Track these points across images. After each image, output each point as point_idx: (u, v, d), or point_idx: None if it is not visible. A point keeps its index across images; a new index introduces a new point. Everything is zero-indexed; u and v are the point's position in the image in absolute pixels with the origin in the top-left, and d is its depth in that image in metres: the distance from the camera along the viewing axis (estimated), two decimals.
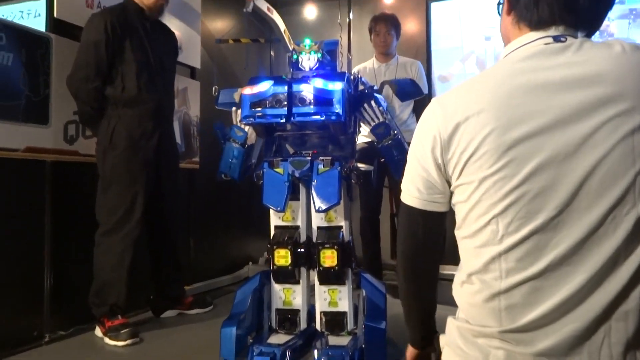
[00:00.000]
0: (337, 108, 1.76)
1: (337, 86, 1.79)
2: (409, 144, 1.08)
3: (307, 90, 1.80)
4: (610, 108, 0.84)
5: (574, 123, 0.85)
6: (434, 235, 1.04)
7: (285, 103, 1.80)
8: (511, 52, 0.98)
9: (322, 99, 1.78)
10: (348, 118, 1.88)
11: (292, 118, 1.79)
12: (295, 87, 1.81)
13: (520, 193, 0.87)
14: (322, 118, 1.77)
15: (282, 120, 1.81)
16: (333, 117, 1.77)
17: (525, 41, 0.97)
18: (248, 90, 1.86)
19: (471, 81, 0.98)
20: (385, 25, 3.27)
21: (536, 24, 0.97)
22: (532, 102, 0.88)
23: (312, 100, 1.78)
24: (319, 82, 1.79)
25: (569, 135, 0.85)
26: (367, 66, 3.40)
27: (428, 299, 1.12)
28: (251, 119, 1.84)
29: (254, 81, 1.88)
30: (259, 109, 1.82)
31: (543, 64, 0.91)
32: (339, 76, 1.87)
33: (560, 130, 0.86)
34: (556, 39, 0.94)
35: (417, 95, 2.32)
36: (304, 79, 1.85)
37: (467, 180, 0.93)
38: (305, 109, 1.79)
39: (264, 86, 1.84)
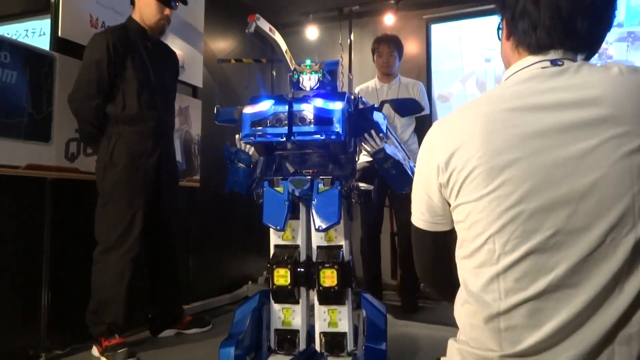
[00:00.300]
0: (337, 127, 1.77)
1: (337, 106, 1.80)
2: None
3: (307, 110, 1.81)
4: (607, 129, 0.84)
5: (571, 142, 0.85)
6: (443, 250, 1.07)
7: (286, 122, 1.81)
8: (510, 76, 1.00)
9: (322, 118, 1.79)
10: (348, 137, 1.89)
11: (293, 137, 1.80)
12: (295, 107, 1.81)
13: (516, 212, 0.87)
14: (322, 137, 1.78)
15: (282, 139, 1.82)
16: (333, 137, 1.78)
17: (523, 65, 0.98)
18: (249, 109, 1.86)
19: (470, 104, 0.99)
20: (388, 47, 3.30)
21: (535, 49, 0.98)
22: (528, 122, 0.89)
23: (313, 120, 1.79)
24: (319, 102, 1.81)
25: (565, 155, 0.85)
26: (369, 86, 3.43)
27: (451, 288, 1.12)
28: (252, 137, 1.84)
29: (254, 100, 1.89)
30: (260, 127, 1.83)
31: (539, 87, 0.91)
32: (339, 96, 1.88)
33: (556, 150, 0.86)
34: (554, 62, 0.95)
35: (417, 112, 2.33)
36: (305, 99, 1.86)
37: (464, 200, 0.94)
38: (306, 128, 1.80)
39: (265, 105, 1.85)
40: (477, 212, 0.91)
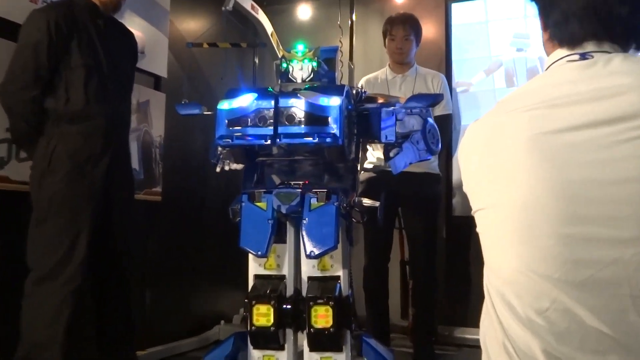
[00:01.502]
0: (334, 128, 1.78)
1: (334, 101, 1.80)
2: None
3: (297, 106, 1.81)
4: (634, 123, 0.93)
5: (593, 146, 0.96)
6: None
7: (272, 121, 1.82)
8: (545, 70, 1.13)
9: (315, 117, 1.79)
10: (347, 141, 1.88)
11: (278, 139, 1.80)
12: (282, 102, 1.81)
13: None
14: (315, 140, 1.77)
15: (266, 142, 1.82)
16: (328, 139, 1.79)
17: (553, 60, 1.10)
18: (225, 105, 1.87)
19: (499, 104, 1.11)
20: (404, 29, 3.32)
21: (568, 42, 1.09)
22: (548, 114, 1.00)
23: (303, 118, 1.79)
24: (311, 96, 1.80)
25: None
26: (378, 77, 3.44)
27: None
28: (228, 140, 1.84)
29: (233, 94, 1.89)
30: (239, 127, 1.83)
31: (565, 78, 1.04)
32: (337, 89, 1.88)
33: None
34: (583, 56, 1.05)
35: (433, 100, 2.32)
36: (295, 93, 1.86)
37: None
38: (294, 129, 1.80)
39: (246, 100, 1.85)
40: None
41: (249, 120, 1.83)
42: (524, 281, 0.98)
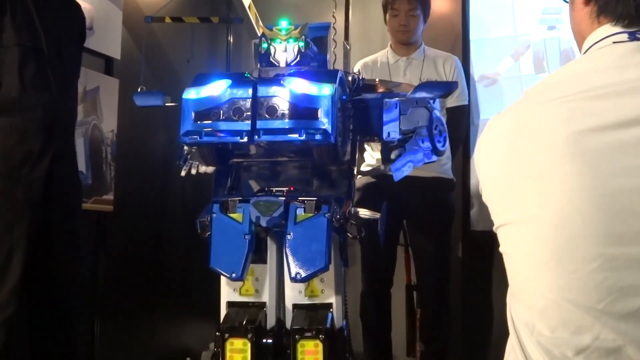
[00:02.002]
0: (324, 123, 1.78)
1: (325, 90, 1.81)
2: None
3: (280, 96, 1.81)
4: None
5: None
6: None
7: (249, 114, 1.83)
8: (583, 53, 1.13)
9: (302, 109, 1.80)
10: (340, 139, 1.89)
11: (257, 136, 1.80)
12: (262, 91, 1.82)
13: None
14: (302, 137, 1.78)
15: (242, 140, 1.82)
16: (318, 137, 1.79)
17: (594, 40, 1.11)
18: (192, 94, 1.87)
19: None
20: (409, 1, 3.33)
21: (628, 19, 1.10)
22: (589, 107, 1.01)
23: (287, 111, 1.80)
24: (297, 84, 1.81)
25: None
26: (378, 59, 3.46)
27: None
28: (195, 137, 1.84)
29: (201, 80, 1.90)
30: (209, 122, 1.84)
31: (610, 63, 1.06)
32: (329, 75, 1.89)
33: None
34: (633, 36, 1.07)
35: (442, 91, 2.33)
36: (277, 80, 1.87)
37: None
38: (276, 124, 1.81)
39: (217, 88, 1.86)
40: None
41: (222, 112, 1.84)
42: (559, 313, 0.98)
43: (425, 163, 2.22)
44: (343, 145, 1.94)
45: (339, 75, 1.90)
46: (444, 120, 2.33)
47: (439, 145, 2.24)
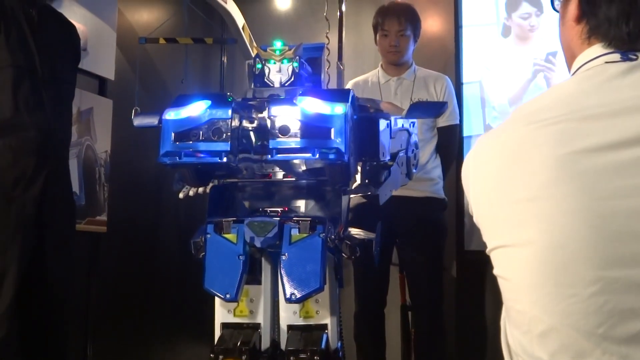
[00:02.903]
0: (338, 142, 1.78)
1: (337, 109, 1.81)
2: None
3: (292, 115, 1.81)
4: None
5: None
6: None
7: (228, 134, 1.83)
8: (573, 73, 1.12)
9: (315, 129, 1.80)
10: (352, 158, 1.90)
11: (270, 155, 1.81)
12: (274, 110, 1.82)
13: None
14: (316, 157, 1.78)
15: (221, 161, 1.83)
16: (331, 156, 1.78)
17: (585, 59, 1.11)
18: (172, 114, 1.88)
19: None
20: (398, 22, 3.34)
21: (620, 42, 1.09)
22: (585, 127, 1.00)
23: (299, 130, 1.80)
24: (310, 103, 1.81)
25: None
26: (369, 80, 3.47)
27: None
28: (175, 157, 1.85)
29: (181, 101, 1.91)
30: (189, 142, 1.85)
31: (603, 83, 1.05)
32: (341, 94, 1.89)
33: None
34: (625, 56, 1.06)
35: (435, 112, 2.36)
36: (289, 99, 1.87)
37: None
38: (289, 143, 1.80)
39: (197, 108, 1.86)
40: None
41: (201, 133, 1.84)
42: (558, 338, 0.97)
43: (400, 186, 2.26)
44: (355, 165, 1.94)
45: (351, 94, 1.90)
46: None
47: (413, 169, 2.28)
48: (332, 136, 1.78)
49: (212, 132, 1.84)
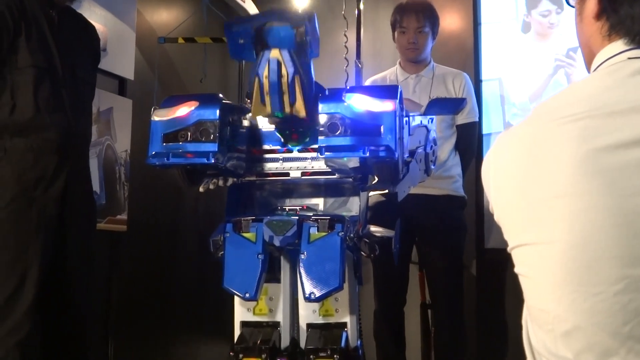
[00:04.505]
0: (388, 139, 1.77)
1: (387, 106, 1.80)
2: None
3: (341, 112, 1.80)
4: None
5: None
6: None
7: (216, 135, 1.84)
8: (594, 69, 1.11)
9: (364, 126, 1.79)
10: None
11: (320, 154, 1.80)
12: (323, 108, 1.82)
13: None
14: (366, 155, 1.77)
15: (209, 162, 1.84)
16: (381, 153, 1.77)
17: (607, 56, 1.09)
18: (161, 115, 1.89)
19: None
20: (417, 19, 3.32)
21: (638, 35, 1.09)
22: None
23: (349, 128, 1.79)
24: (359, 100, 1.81)
25: None
26: (387, 77, 3.45)
27: None
28: (164, 158, 1.87)
29: (170, 102, 1.92)
30: (179, 143, 1.86)
31: (626, 79, 1.04)
32: (389, 91, 1.87)
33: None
34: None
35: (454, 108, 2.33)
36: (337, 96, 1.85)
37: None
38: (339, 141, 1.79)
39: (185, 109, 1.88)
40: None
41: (189, 134, 1.85)
42: (583, 337, 0.96)
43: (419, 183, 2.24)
44: (402, 161, 1.93)
45: (400, 90, 1.90)
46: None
47: (431, 166, 2.26)
48: (382, 133, 1.78)
49: (200, 132, 1.85)
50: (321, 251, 1.81)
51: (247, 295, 1.80)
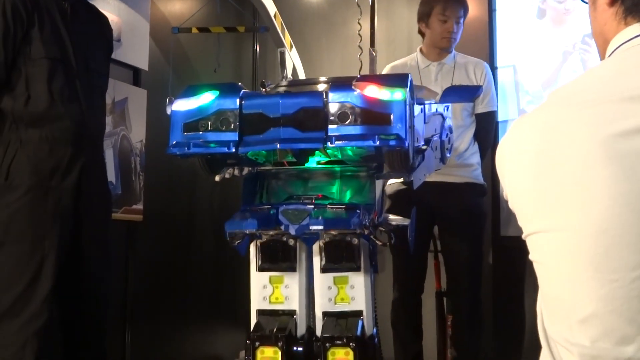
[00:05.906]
0: (398, 128, 1.76)
1: (397, 95, 1.79)
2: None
3: (351, 101, 1.80)
4: None
5: None
6: None
7: (236, 125, 1.84)
8: (609, 55, 1.10)
9: (374, 115, 1.78)
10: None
11: (329, 142, 1.80)
12: (333, 97, 1.81)
13: None
14: (376, 144, 1.77)
15: (229, 151, 1.84)
16: (392, 142, 1.77)
17: (622, 40, 1.08)
18: (181, 105, 1.90)
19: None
20: (461, 8, 3.29)
21: None
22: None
23: (360, 116, 1.78)
24: (369, 89, 1.80)
25: None
26: (407, 63, 3.42)
27: None
28: (184, 148, 1.87)
29: (190, 92, 1.92)
30: (197, 133, 1.87)
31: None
32: (399, 79, 1.86)
33: None
34: None
35: (470, 96, 2.31)
36: (347, 84, 1.85)
37: None
38: (349, 130, 1.79)
39: (205, 99, 1.88)
40: None
41: (209, 123, 1.86)
42: (601, 323, 0.95)
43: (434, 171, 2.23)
44: (413, 150, 1.93)
45: (410, 78, 1.88)
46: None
47: (447, 154, 2.25)
48: (392, 122, 1.77)
49: (220, 122, 1.85)
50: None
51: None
